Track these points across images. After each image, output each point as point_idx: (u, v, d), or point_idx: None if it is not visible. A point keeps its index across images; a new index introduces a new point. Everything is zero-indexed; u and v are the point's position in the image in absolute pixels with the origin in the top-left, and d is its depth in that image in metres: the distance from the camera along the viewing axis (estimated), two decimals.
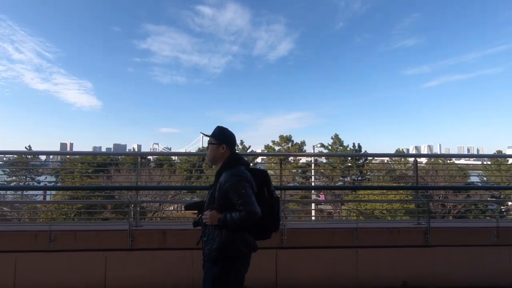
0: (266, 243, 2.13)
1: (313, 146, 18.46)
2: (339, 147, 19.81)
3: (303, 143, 20.98)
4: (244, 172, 1.92)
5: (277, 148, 20.82)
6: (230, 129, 2.10)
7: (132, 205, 3.41)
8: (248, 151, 23.55)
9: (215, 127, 2.11)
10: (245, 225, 1.82)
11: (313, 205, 12.08)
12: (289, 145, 20.43)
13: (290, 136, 21.15)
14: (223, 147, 2.00)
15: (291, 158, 17.74)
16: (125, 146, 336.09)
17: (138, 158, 3.76)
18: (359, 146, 21.23)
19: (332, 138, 21.13)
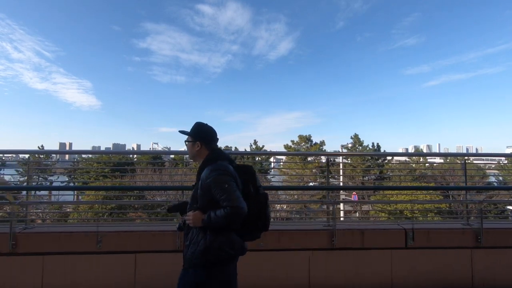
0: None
1: (341, 146, 18.47)
2: (359, 147, 19.94)
3: (322, 143, 20.86)
4: (226, 166, 1.81)
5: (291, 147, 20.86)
6: (208, 125, 2.01)
7: None
8: (262, 150, 23.55)
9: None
10: (231, 222, 1.68)
11: (341, 205, 12.07)
12: (308, 144, 20.41)
13: (310, 136, 21.08)
14: (198, 144, 1.93)
15: (310, 158, 17.73)
16: (124, 145, 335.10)
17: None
18: (378, 146, 21.21)
19: (351, 137, 21.10)
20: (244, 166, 1.94)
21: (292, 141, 21.30)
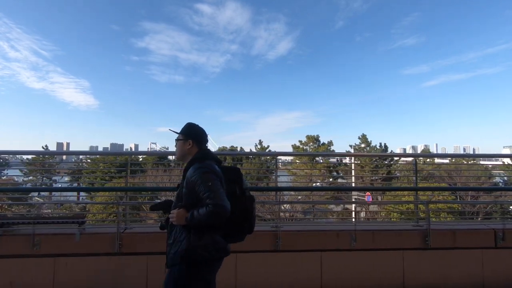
0: None
1: (350, 146, 18.60)
2: (366, 148, 20.03)
3: (330, 143, 20.89)
4: (211, 165, 1.81)
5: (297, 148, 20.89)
6: (200, 126, 2.03)
7: None
8: (267, 150, 23.58)
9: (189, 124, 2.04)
10: (213, 220, 1.65)
11: (353, 206, 12.08)
12: (316, 145, 20.46)
13: (318, 136, 21.10)
14: (189, 143, 1.93)
15: (318, 158, 17.81)
16: (122, 145, 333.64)
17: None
18: (385, 146, 21.34)
19: (359, 138, 21.25)
20: (231, 167, 1.95)
21: (300, 141, 21.33)
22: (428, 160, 17.07)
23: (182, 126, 2.03)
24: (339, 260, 3.23)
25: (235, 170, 1.92)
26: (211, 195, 1.65)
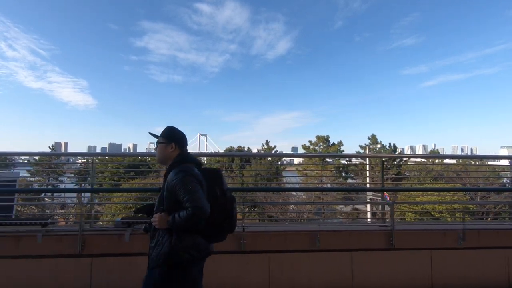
0: None
1: (366, 147, 18.60)
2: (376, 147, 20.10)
3: (340, 143, 20.83)
4: (191, 168, 1.83)
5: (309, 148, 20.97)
6: (180, 129, 2.04)
7: None
8: (273, 151, 23.61)
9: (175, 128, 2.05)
10: (194, 223, 1.69)
11: (368, 206, 12.13)
12: (326, 145, 20.37)
13: (328, 137, 20.99)
14: (171, 146, 1.93)
15: (328, 159, 17.87)
16: (120, 145, 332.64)
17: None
18: (395, 146, 21.41)
19: (369, 138, 21.18)
20: (212, 169, 1.98)
21: (310, 142, 21.19)
22: (437, 161, 17.15)
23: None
24: (448, 259, 3.38)
25: (215, 172, 1.95)
26: (190, 198, 1.68)
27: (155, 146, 2.02)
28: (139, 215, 3.25)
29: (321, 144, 20.55)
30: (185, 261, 1.75)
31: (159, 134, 2.02)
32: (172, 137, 1.97)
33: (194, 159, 1.94)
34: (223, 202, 1.85)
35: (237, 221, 2.05)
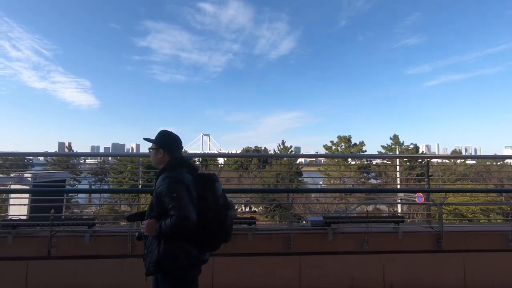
0: None
1: (382, 146, 18.50)
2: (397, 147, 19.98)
3: (362, 143, 20.61)
4: (179, 174, 1.79)
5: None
6: (173, 133, 2.01)
7: None
8: (289, 151, 23.53)
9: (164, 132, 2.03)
10: (178, 231, 1.65)
11: (399, 207, 12.05)
12: (348, 145, 20.18)
13: (350, 137, 20.86)
14: (161, 152, 1.92)
15: (350, 160, 17.76)
16: (123, 145, 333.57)
17: None
18: (416, 146, 21.17)
19: (391, 138, 21.14)
20: (205, 174, 1.92)
21: (332, 142, 21.14)
22: (458, 161, 17.05)
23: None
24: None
25: (208, 177, 1.89)
26: (175, 206, 1.65)
27: (149, 151, 2.01)
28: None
29: (342, 144, 20.45)
30: (175, 268, 1.72)
31: (154, 137, 2.01)
32: (162, 143, 1.94)
33: (187, 163, 1.90)
34: (215, 208, 1.79)
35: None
